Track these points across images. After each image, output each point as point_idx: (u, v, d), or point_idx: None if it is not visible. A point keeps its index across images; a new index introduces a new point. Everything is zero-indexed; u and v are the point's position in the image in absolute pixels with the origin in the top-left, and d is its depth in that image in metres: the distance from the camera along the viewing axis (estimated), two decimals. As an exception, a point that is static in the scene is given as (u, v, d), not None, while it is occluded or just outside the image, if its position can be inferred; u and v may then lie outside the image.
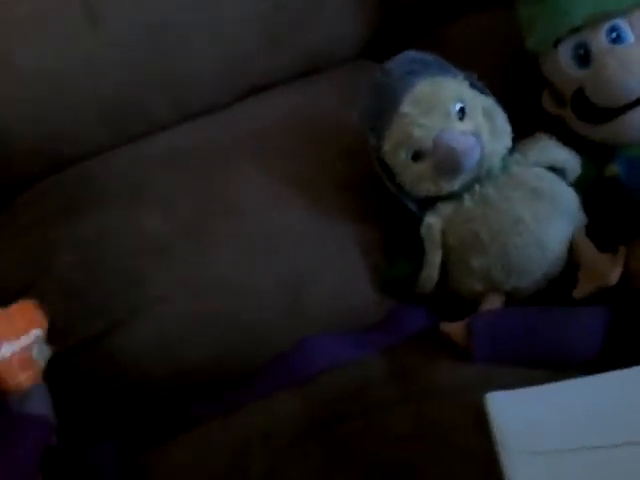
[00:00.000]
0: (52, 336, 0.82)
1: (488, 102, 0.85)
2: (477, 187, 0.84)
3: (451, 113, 0.82)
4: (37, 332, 0.72)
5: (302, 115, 0.98)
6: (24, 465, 0.67)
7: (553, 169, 0.86)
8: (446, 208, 0.85)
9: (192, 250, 0.90)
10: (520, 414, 0.67)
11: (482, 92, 0.86)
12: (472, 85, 0.85)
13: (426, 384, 0.77)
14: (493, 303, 0.83)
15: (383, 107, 0.84)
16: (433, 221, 0.85)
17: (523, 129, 0.87)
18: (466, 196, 0.84)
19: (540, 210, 0.82)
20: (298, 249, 0.90)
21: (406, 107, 0.82)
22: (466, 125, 0.83)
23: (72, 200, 0.95)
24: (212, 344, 0.87)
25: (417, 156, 0.83)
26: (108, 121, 0.99)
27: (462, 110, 0.83)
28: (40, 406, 0.73)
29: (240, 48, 1.01)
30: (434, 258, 0.85)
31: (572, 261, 0.83)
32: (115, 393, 0.86)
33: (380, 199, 0.90)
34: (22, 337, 0.70)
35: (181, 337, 0.87)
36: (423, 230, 0.85)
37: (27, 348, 0.70)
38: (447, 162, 0.81)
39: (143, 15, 0.96)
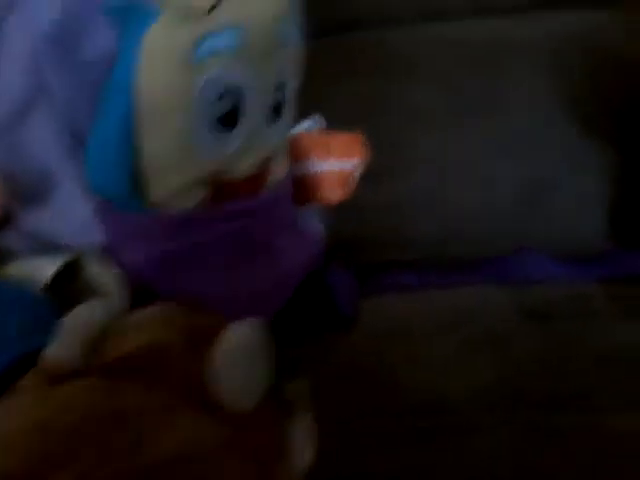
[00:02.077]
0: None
1: None
2: None
3: None
4: (358, 161, 0.77)
5: (585, 36, 0.99)
6: (294, 275, 0.70)
7: None
8: None
9: (449, 131, 0.95)
10: None
11: None
12: None
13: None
14: None
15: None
16: None
17: None
18: None
19: None
20: (546, 158, 0.93)
21: None
22: None
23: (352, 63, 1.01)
24: (440, 225, 0.92)
25: None
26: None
27: None
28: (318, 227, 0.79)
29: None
30: None
31: None
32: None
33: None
34: (347, 159, 0.76)
35: (416, 209, 0.93)
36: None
37: (348, 170, 0.76)
38: None
39: None
